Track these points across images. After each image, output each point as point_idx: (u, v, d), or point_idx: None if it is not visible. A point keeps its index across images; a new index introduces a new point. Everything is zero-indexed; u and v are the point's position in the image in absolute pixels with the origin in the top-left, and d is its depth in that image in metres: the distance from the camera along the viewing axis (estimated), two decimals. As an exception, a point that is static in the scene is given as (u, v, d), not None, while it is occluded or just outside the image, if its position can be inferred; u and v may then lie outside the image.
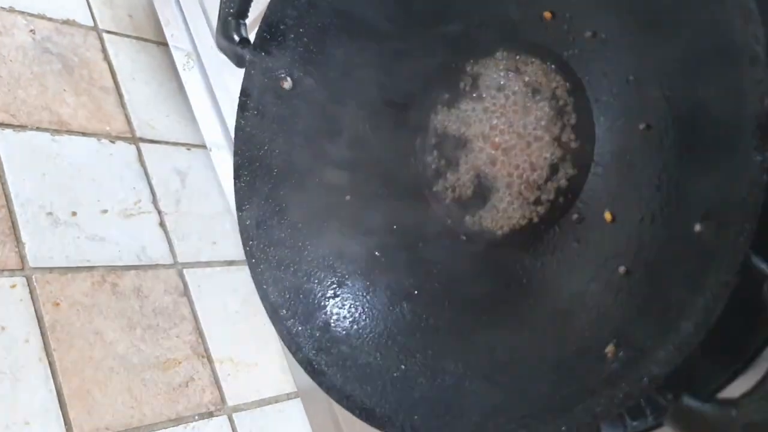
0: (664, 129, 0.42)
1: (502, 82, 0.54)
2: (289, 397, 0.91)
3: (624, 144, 0.45)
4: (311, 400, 0.81)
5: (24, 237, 0.79)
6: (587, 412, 0.40)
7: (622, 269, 0.43)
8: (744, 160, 0.35)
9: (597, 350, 0.41)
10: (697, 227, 0.38)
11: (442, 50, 0.56)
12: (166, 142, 1.00)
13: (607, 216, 0.45)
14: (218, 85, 0.80)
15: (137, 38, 1.07)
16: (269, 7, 0.57)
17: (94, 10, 1.04)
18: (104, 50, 1.01)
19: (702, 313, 0.36)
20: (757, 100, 0.35)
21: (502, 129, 0.52)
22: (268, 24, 0.58)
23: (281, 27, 0.57)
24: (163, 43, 1.04)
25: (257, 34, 0.59)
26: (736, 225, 0.35)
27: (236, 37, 0.60)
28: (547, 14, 0.49)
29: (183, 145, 1.02)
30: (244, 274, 0.62)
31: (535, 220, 0.51)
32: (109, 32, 1.04)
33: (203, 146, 1.00)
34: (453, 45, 0.56)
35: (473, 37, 0.54)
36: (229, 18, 0.60)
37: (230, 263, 0.96)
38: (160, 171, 0.96)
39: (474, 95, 0.56)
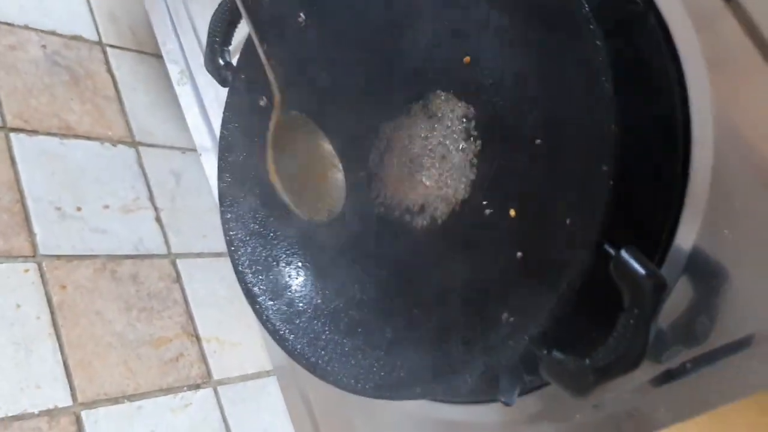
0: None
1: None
2: (269, 374, 1.02)
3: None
4: (284, 377, 0.92)
5: (35, 228, 0.90)
6: (486, 363, 0.51)
7: (519, 255, 0.55)
8: (594, 172, 0.46)
9: (496, 318, 0.53)
10: (568, 221, 0.50)
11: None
12: (163, 146, 1.11)
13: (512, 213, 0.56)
14: (208, 98, 0.91)
15: (138, 51, 1.18)
16: (247, 38, 0.68)
17: (100, 27, 1.16)
18: (107, 63, 1.13)
19: (567, 285, 0.48)
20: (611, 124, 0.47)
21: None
22: (247, 52, 0.69)
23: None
24: (161, 56, 1.15)
25: (238, 59, 0.70)
26: (592, 217, 0.47)
27: (221, 62, 0.71)
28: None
29: (178, 149, 1.13)
30: (230, 264, 0.73)
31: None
32: (112, 46, 1.15)
33: (196, 150, 1.11)
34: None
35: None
36: (215, 45, 0.71)
37: (219, 255, 1.07)
38: (156, 172, 1.07)
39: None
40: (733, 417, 0.54)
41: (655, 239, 0.52)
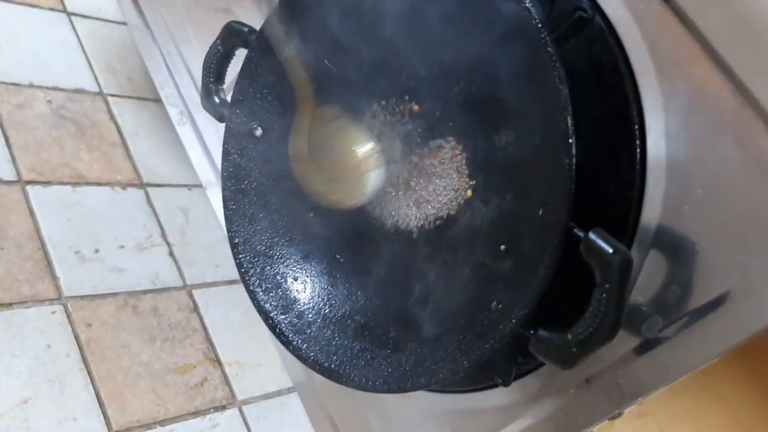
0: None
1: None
2: (289, 391, 1.07)
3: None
4: (304, 391, 0.97)
5: (58, 272, 0.96)
6: (481, 348, 0.56)
7: (503, 247, 0.60)
8: (558, 165, 0.52)
9: (486, 306, 0.58)
10: (540, 212, 0.55)
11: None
12: (170, 185, 1.17)
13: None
14: (208, 135, 0.96)
15: (137, 98, 1.25)
16: (239, 75, 0.74)
17: (99, 78, 1.22)
18: (110, 112, 1.19)
19: (545, 269, 0.53)
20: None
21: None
22: (239, 88, 0.75)
23: (250, 89, 0.74)
24: (160, 100, 1.22)
25: (233, 95, 0.76)
26: (560, 206, 0.52)
27: (216, 99, 0.77)
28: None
29: (184, 186, 1.19)
30: (244, 290, 0.78)
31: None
32: (113, 95, 1.22)
33: (201, 185, 1.17)
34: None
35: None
36: (210, 84, 0.77)
37: (231, 282, 1.13)
38: (166, 210, 1.13)
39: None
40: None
41: (623, 221, 0.58)
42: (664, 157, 0.55)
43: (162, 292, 1.04)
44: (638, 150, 0.56)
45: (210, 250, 1.14)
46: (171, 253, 1.09)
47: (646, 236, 0.57)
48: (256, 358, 1.07)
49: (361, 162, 0.69)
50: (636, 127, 0.56)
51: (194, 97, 0.97)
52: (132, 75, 1.27)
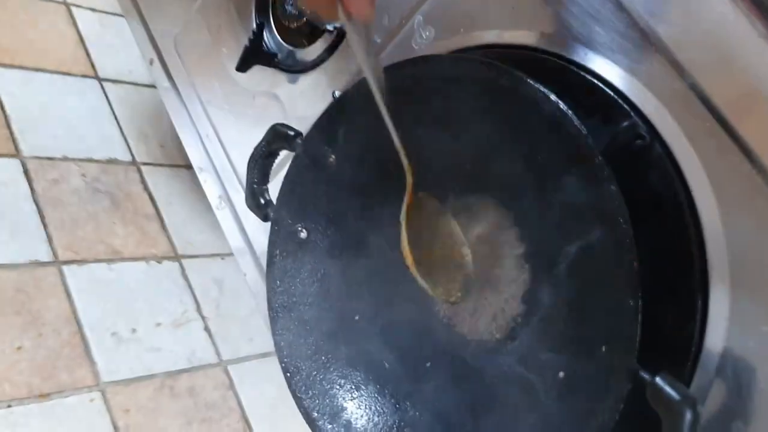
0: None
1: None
2: (325, 468, 1.06)
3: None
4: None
5: (95, 357, 0.95)
6: None
7: (561, 374, 0.59)
8: (622, 306, 0.51)
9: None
10: (603, 348, 0.54)
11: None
12: (204, 255, 1.17)
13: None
14: (246, 219, 0.96)
15: (170, 165, 1.25)
16: (286, 176, 0.74)
17: (132, 147, 1.23)
18: (144, 182, 1.19)
19: (610, 409, 0.52)
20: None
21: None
22: (284, 189, 0.74)
23: (296, 192, 0.74)
24: (191, 167, 1.22)
25: (278, 197, 0.75)
26: (625, 349, 0.51)
27: (261, 200, 0.77)
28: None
29: (218, 255, 1.19)
30: (276, 363, 0.77)
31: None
32: (145, 164, 1.22)
33: (233, 254, 1.17)
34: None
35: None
36: (254, 185, 0.77)
37: (264, 355, 1.12)
38: (200, 282, 1.13)
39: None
40: None
41: (683, 352, 0.57)
42: (728, 291, 0.54)
43: (198, 370, 1.04)
44: (699, 283, 0.55)
45: (244, 322, 1.13)
46: (206, 328, 1.09)
47: (708, 368, 0.56)
48: (292, 436, 1.06)
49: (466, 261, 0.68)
50: (697, 259, 0.55)
51: (233, 182, 0.97)
52: (164, 141, 1.27)
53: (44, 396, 0.88)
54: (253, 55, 0.88)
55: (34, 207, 1.03)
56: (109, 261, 1.05)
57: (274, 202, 0.76)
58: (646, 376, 0.51)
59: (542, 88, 0.55)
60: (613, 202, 0.52)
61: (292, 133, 0.74)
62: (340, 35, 0.84)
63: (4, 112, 1.11)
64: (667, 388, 0.50)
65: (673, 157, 0.57)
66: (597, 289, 0.55)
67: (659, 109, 0.57)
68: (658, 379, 0.50)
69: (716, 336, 0.56)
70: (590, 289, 0.56)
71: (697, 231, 0.55)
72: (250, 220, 0.93)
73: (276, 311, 0.75)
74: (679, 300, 0.57)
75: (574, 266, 0.57)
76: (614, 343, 0.53)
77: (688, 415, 0.49)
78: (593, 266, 0.56)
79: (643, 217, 0.56)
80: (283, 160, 0.78)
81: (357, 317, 0.74)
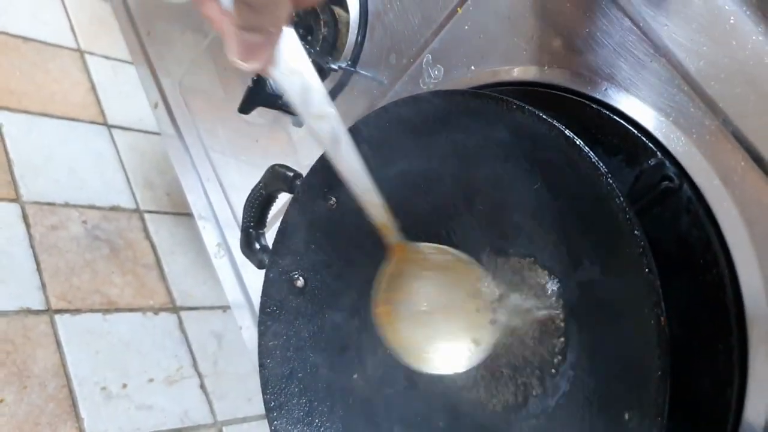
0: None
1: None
2: None
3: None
4: None
5: (82, 413, 0.89)
6: None
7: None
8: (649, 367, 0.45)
9: None
10: (626, 416, 0.47)
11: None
12: (203, 308, 1.11)
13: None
14: (244, 269, 0.91)
15: (174, 213, 1.21)
16: (282, 222, 0.69)
17: (137, 194, 1.19)
18: (146, 229, 1.15)
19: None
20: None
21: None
22: (282, 234, 0.69)
23: (293, 237, 0.69)
24: (196, 216, 1.18)
25: (274, 243, 0.70)
26: (650, 419, 0.45)
27: (257, 245, 0.72)
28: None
29: (219, 308, 1.13)
30: None
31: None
32: (149, 212, 1.18)
33: (236, 308, 1.11)
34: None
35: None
36: (250, 230, 0.72)
37: (263, 417, 1.05)
38: (198, 336, 1.07)
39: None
40: None
41: (722, 417, 0.50)
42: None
43: (191, 431, 0.97)
44: (737, 341, 0.49)
45: (242, 381, 1.07)
46: (202, 386, 1.03)
47: (750, 437, 0.49)
48: (290, 505, 0.98)
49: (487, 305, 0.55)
50: (734, 315, 0.49)
51: (233, 230, 0.92)
52: (170, 189, 1.23)
53: (22, 455, 0.82)
54: (257, 97, 0.84)
55: (30, 253, 0.99)
56: (104, 311, 1.00)
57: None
58: (675, 446, 0.45)
59: (556, 123, 0.50)
60: (636, 248, 0.46)
61: (291, 174, 0.69)
62: (346, 75, 0.80)
63: (7, 156, 1.08)
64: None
65: (704, 201, 0.51)
66: (620, 346, 0.49)
67: (688, 147, 0.52)
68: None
69: (758, 403, 0.49)
70: (612, 346, 0.50)
71: (733, 283, 0.49)
72: (249, 270, 0.88)
73: (267, 368, 0.69)
74: (714, 361, 0.50)
75: (594, 320, 0.51)
76: (639, 409, 0.46)
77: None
78: (615, 321, 0.49)
79: (672, 266, 0.50)
80: (284, 207, 0.73)
81: (355, 375, 0.68)
